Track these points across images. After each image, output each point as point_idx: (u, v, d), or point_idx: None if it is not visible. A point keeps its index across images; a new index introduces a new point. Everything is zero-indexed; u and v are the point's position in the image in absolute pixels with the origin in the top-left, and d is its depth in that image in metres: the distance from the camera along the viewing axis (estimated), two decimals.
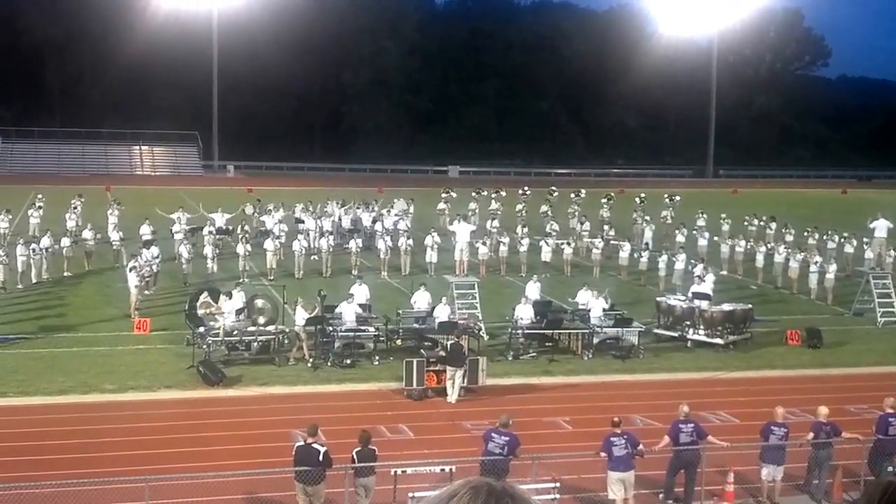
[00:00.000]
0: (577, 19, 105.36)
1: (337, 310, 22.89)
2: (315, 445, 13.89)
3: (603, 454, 14.57)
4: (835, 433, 15.72)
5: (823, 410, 15.86)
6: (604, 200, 45.59)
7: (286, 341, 22.65)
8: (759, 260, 33.89)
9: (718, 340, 24.49)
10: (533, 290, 26.15)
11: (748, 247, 35.50)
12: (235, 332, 22.11)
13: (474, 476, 2.51)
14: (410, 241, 34.15)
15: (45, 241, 31.20)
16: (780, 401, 19.60)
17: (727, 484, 15.36)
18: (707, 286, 26.61)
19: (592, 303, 24.51)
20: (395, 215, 39.90)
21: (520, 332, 23.62)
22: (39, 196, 41.04)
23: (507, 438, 14.43)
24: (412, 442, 17.55)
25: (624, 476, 14.41)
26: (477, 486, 2.40)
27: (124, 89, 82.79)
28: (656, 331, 25.14)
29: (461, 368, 19.79)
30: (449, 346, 20.25)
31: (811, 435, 15.70)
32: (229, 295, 23.22)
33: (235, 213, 38.89)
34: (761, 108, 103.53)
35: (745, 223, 40.76)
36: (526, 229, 36.88)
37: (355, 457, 14.11)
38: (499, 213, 42.64)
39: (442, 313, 22.76)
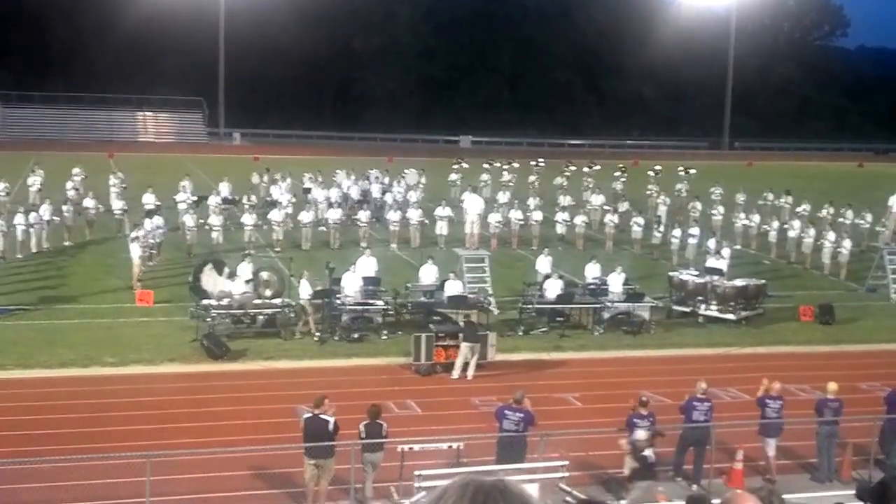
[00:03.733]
0: None
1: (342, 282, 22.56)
2: (323, 416, 13.62)
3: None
4: (842, 410, 15.49)
5: (832, 387, 15.70)
6: (617, 174, 44.99)
7: (292, 315, 22.30)
8: (773, 235, 33.44)
9: (731, 316, 24.12)
10: (544, 263, 25.74)
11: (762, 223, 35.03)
12: (243, 305, 21.78)
13: (467, 475, 2.43)
14: (420, 213, 33.69)
15: (45, 210, 30.76)
16: (793, 377, 19.56)
17: (736, 462, 15.11)
18: (723, 261, 26.20)
19: (611, 278, 24.10)
20: (407, 186, 39.41)
21: (531, 306, 23.31)
22: (37, 165, 40.43)
23: (522, 414, 14.24)
24: (420, 418, 17.31)
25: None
26: (464, 485, 2.36)
27: (129, 53, 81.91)
28: (674, 307, 24.74)
29: (476, 344, 19.48)
30: (463, 323, 19.93)
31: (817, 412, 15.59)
32: (233, 276, 22.59)
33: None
34: (780, 78, 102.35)
35: (765, 201, 40.04)
36: (538, 201, 36.41)
37: (362, 430, 13.84)
38: (511, 184, 42.14)
39: (452, 288, 22.38)
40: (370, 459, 13.89)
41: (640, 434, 13.48)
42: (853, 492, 13.44)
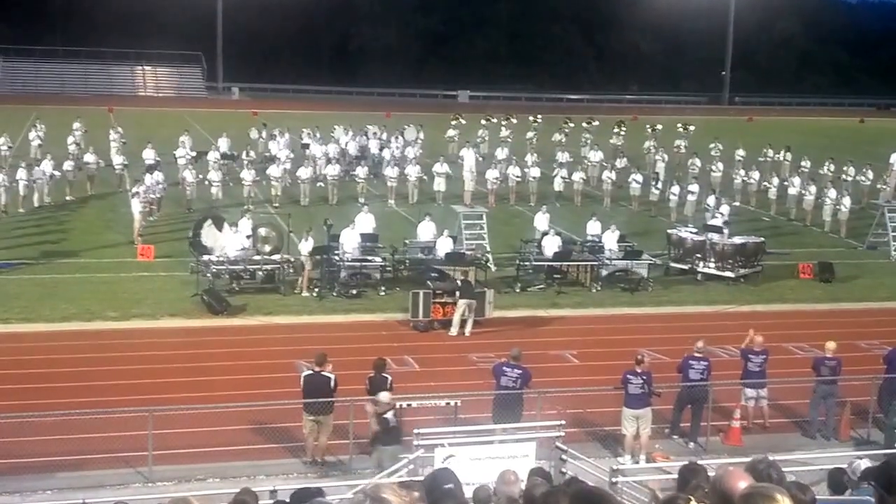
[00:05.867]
0: None
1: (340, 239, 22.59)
2: (325, 374, 13.75)
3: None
4: (840, 369, 15.55)
5: (831, 345, 15.71)
6: (616, 130, 44.74)
7: (291, 270, 22.36)
8: (773, 191, 33.37)
9: (729, 273, 24.15)
10: (542, 220, 25.74)
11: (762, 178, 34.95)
12: (240, 262, 21.81)
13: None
14: (419, 169, 33.59)
15: (46, 165, 30.78)
16: (791, 335, 19.62)
17: (733, 420, 15.23)
18: (722, 219, 26.16)
19: (606, 236, 24.12)
20: (405, 142, 39.23)
21: (528, 263, 23.37)
22: (38, 120, 40.32)
23: (520, 371, 14.32)
24: (417, 374, 17.42)
25: (638, 413, 14.31)
26: None
27: (127, 7, 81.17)
28: (672, 264, 24.77)
29: (473, 301, 19.59)
30: (460, 282, 20.00)
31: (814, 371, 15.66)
32: (235, 225, 22.66)
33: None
34: (781, 32, 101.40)
35: (765, 158, 39.92)
36: (536, 158, 36.30)
37: (368, 383, 13.98)
38: (509, 140, 41.97)
39: (444, 246, 22.41)
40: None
41: (383, 396, 13.05)
42: (852, 451, 13.61)
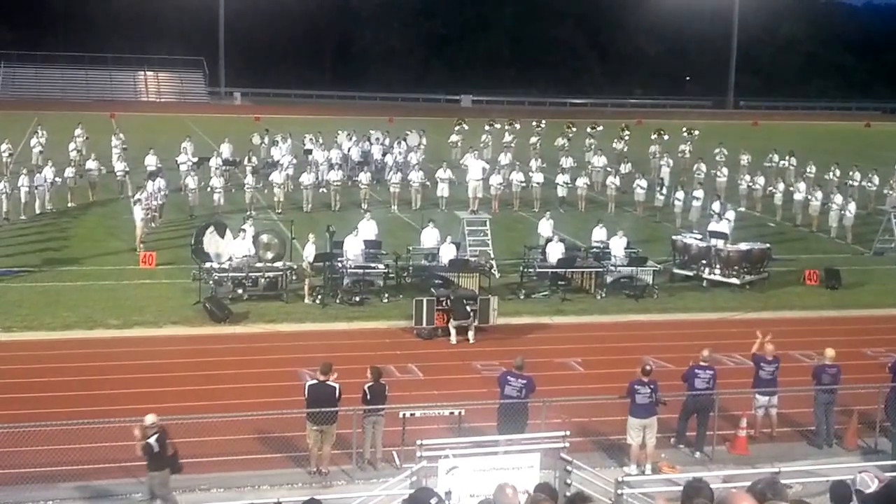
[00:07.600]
0: None
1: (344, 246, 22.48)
2: (329, 383, 13.64)
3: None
4: (840, 376, 15.40)
5: (830, 353, 15.56)
6: (625, 138, 44.53)
7: (294, 277, 22.25)
8: (778, 197, 33.23)
9: (735, 280, 24.03)
10: (546, 227, 25.64)
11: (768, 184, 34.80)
12: (243, 269, 21.72)
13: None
14: (422, 175, 33.51)
15: (48, 171, 30.78)
16: (797, 342, 19.46)
17: (739, 430, 15.09)
18: (726, 224, 26.02)
19: (614, 242, 24.00)
20: (408, 148, 39.16)
21: (532, 270, 23.26)
22: (40, 126, 40.36)
23: (525, 381, 14.20)
24: (421, 382, 17.31)
25: (644, 422, 14.17)
26: None
27: (129, 12, 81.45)
28: (677, 271, 24.64)
29: (465, 320, 19.45)
30: (450, 303, 19.68)
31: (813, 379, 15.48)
32: (243, 231, 22.54)
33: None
34: (786, 35, 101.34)
35: (770, 163, 39.78)
36: (540, 162, 36.20)
37: (368, 392, 13.85)
38: (512, 145, 41.90)
39: (447, 252, 22.30)
40: (373, 420, 13.92)
41: (148, 418, 12.15)
42: (858, 462, 13.48)
